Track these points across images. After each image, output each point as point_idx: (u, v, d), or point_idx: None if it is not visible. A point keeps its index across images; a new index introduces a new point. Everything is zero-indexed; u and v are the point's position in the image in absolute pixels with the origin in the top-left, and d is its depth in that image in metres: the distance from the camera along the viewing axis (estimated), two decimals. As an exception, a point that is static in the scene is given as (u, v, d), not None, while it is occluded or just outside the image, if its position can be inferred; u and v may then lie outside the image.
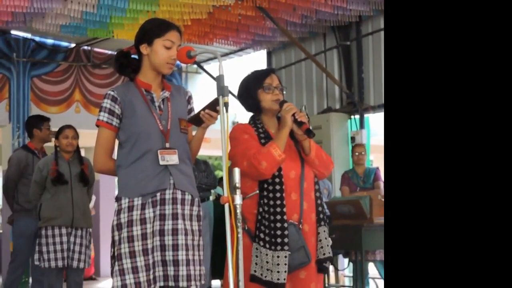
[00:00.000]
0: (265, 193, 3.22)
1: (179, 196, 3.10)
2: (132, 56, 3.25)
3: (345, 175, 7.63)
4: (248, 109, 3.47)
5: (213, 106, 3.00)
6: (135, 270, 3.00)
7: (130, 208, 3.06)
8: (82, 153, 6.00)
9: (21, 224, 6.15)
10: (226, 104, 2.76)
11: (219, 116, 2.81)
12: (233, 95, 3.64)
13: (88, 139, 9.13)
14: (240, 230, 2.69)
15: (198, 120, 3.07)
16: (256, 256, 3.18)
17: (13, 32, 9.49)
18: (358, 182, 7.34)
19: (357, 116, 8.92)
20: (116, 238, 3.07)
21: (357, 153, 7.48)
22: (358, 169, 7.46)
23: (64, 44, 10.05)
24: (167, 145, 3.11)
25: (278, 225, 3.17)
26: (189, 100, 3.33)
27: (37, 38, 9.76)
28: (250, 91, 3.39)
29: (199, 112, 3.05)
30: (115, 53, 3.26)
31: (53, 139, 6.07)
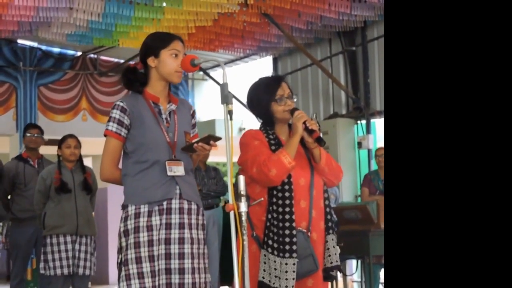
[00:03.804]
0: (274, 200, 3.22)
1: (185, 205, 3.15)
2: (139, 71, 3.29)
3: (367, 176, 7.53)
4: (261, 118, 3.47)
5: (206, 140, 3.08)
6: (140, 275, 3.04)
7: (137, 215, 3.10)
8: (89, 161, 6.06)
9: (14, 235, 6.22)
10: (230, 112, 2.80)
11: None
12: (239, 101, 3.65)
13: (95, 147, 9.14)
14: (245, 237, 2.70)
15: (191, 149, 3.15)
16: (264, 263, 3.18)
17: (20, 41, 9.55)
18: (379, 186, 7.26)
19: (364, 121, 8.92)
20: (123, 244, 3.11)
21: (378, 156, 7.36)
22: (380, 172, 7.35)
23: (71, 52, 10.11)
24: (174, 156, 3.16)
25: (287, 232, 3.17)
26: (193, 114, 3.39)
27: (43, 47, 9.81)
28: (262, 103, 3.38)
29: (192, 143, 3.12)
30: (123, 68, 3.31)
31: (53, 148, 6.12)
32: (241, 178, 2.74)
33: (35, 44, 9.74)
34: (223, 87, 2.80)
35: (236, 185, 2.77)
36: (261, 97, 3.38)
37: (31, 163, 6.26)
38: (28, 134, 6.34)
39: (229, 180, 2.71)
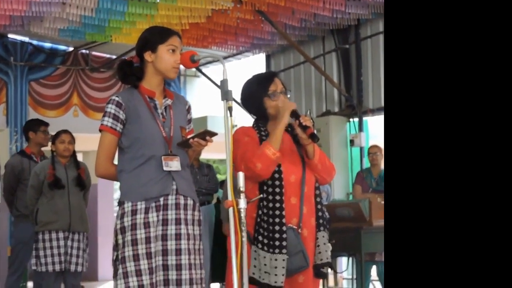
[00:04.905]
0: (265, 195, 3.24)
1: (182, 201, 3.14)
2: (135, 65, 3.27)
3: (360, 173, 7.60)
4: (254, 114, 3.48)
5: (202, 135, 3.08)
6: (138, 273, 3.03)
7: (134, 212, 3.09)
8: (80, 157, 6.03)
9: (19, 230, 6.18)
10: (230, 109, 2.79)
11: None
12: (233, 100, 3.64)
13: (86, 143, 9.12)
14: (244, 234, 2.70)
15: (187, 145, 3.14)
16: (255, 259, 3.19)
17: (11, 35, 9.47)
18: (371, 183, 7.30)
19: (356, 119, 8.94)
20: (120, 241, 3.10)
21: (371, 154, 7.41)
22: (373, 170, 7.40)
23: (62, 47, 10.04)
24: (170, 151, 3.14)
25: (277, 228, 3.18)
26: (188, 109, 3.39)
27: (34, 42, 9.74)
28: (255, 99, 3.40)
29: (188, 139, 3.12)
30: (118, 62, 3.29)
31: (49, 144, 6.08)
32: (241, 175, 2.74)
33: (26, 39, 9.66)
34: (223, 83, 2.79)
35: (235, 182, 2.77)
36: (254, 92, 3.40)
37: (35, 159, 6.22)
38: (45, 132, 6.28)
39: (228, 176, 2.71)
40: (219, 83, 2.86)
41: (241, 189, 2.70)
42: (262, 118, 3.43)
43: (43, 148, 6.41)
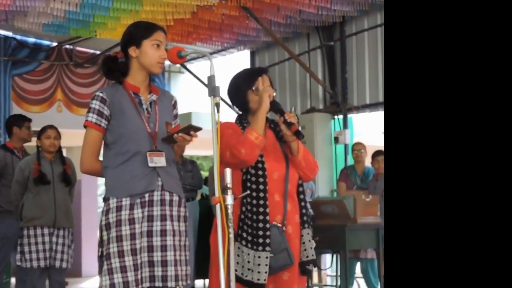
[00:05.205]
0: (248, 192, 3.23)
1: (167, 197, 3.13)
2: (120, 60, 3.25)
3: (344, 171, 7.63)
4: (237, 107, 3.49)
5: (186, 130, 3.07)
6: (123, 269, 3.02)
7: (119, 208, 3.08)
8: (64, 153, 5.98)
9: (3, 226, 6.12)
10: (217, 105, 2.79)
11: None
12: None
13: (70, 138, 9.06)
14: (231, 230, 2.70)
15: (171, 140, 3.13)
16: (238, 256, 3.18)
17: (-6, 30, 9.42)
18: (356, 180, 7.34)
19: (341, 116, 8.95)
20: (105, 237, 3.08)
21: (355, 151, 7.46)
22: (357, 167, 7.45)
23: (46, 43, 9.98)
24: (155, 147, 3.13)
25: (261, 225, 3.18)
26: (174, 105, 3.38)
27: (18, 37, 9.68)
28: (239, 91, 3.41)
29: (172, 134, 3.11)
30: (102, 58, 3.28)
31: (34, 139, 6.04)
32: (228, 171, 2.74)
33: (10, 34, 9.60)
34: (211, 79, 2.79)
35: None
36: (240, 85, 3.41)
37: (17, 154, 6.18)
38: (29, 128, 6.23)
39: (216, 172, 2.70)
40: (204, 79, 2.86)
41: (228, 185, 2.70)
42: (244, 112, 3.44)
43: (26, 144, 6.37)
